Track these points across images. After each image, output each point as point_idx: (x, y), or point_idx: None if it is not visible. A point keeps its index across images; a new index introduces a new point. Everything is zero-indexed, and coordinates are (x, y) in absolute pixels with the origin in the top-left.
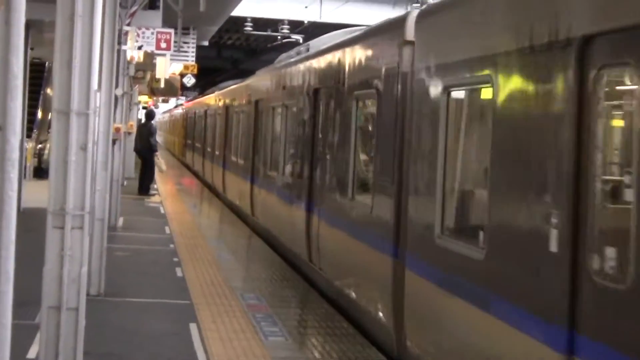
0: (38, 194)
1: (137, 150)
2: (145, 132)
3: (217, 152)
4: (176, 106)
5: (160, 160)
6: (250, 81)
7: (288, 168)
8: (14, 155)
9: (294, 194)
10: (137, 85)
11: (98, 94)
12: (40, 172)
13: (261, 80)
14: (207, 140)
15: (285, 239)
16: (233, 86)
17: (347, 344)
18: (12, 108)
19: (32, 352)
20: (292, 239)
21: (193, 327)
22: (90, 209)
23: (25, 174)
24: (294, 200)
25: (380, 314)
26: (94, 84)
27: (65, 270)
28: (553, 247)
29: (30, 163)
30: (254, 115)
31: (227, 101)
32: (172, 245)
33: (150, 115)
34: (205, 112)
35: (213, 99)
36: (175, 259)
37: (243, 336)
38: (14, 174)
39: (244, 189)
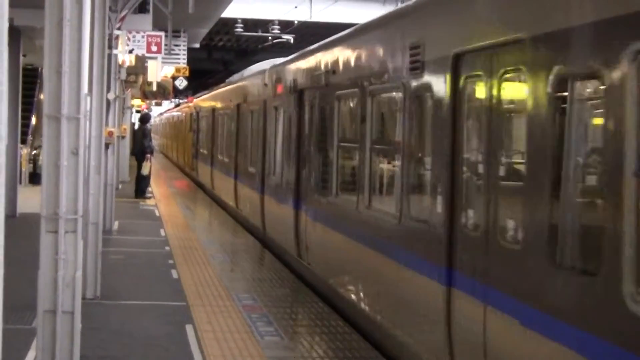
0: (34, 199)
1: (134, 153)
2: (140, 135)
3: (277, 180)
4: (177, 105)
5: (147, 163)
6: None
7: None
8: (1, 159)
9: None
10: (129, 89)
11: (88, 98)
12: (36, 177)
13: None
14: (251, 154)
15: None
16: (323, 49)
17: (343, 342)
18: None
19: (30, 356)
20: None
21: (189, 328)
22: (84, 213)
23: (20, 180)
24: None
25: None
26: (84, 89)
27: (59, 274)
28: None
29: (26, 169)
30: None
31: (303, 81)
32: (167, 248)
33: (144, 118)
34: (238, 107)
35: (253, 85)
36: (171, 261)
37: (239, 336)
38: (1, 178)
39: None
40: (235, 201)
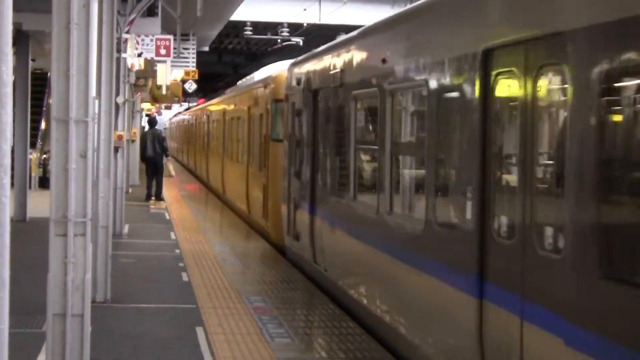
0: (44, 204)
1: (151, 156)
2: (160, 137)
3: None
4: (216, 93)
5: (169, 165)
6: None
7: None
8: (6, 161)
9: None
10: (139, 93)
11: (97, 101)
12: (46, 182)
13: None
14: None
15: None
16: None
17: (354, 343)
18: (3, 115)
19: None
20: None
21: (200, 330)
22: (93, 216)
23: (30, 185)
24: None
25: None
26: (92, 92)
27: (69, 277)
28: None
29: (35, 173)
30: None
31: None
32: (177, 251)
33: (153, 122)
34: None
35: None
36: (181, 264)
37: (249, 338)
38: (6, 179)
39: None
40: None
